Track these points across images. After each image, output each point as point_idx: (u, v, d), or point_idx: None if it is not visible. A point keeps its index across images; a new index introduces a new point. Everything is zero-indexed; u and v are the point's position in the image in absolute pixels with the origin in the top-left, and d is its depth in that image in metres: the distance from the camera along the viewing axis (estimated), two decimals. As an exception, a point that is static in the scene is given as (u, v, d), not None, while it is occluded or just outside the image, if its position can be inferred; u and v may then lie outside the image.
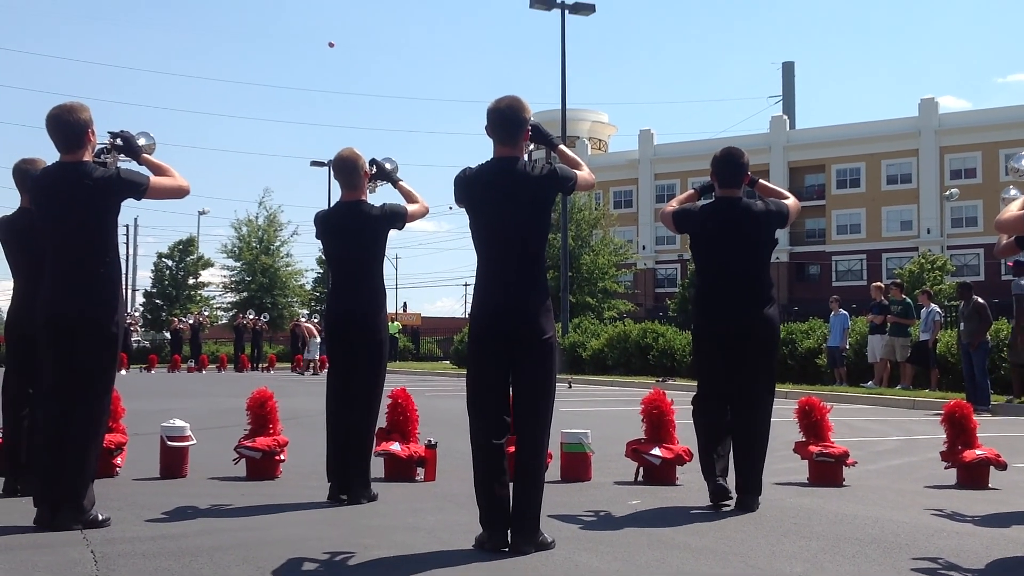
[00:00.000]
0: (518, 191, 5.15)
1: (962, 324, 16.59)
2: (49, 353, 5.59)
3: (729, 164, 6.65)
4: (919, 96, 75.42)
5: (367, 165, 6.83)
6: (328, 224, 6.80)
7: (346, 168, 6.71)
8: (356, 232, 6.67)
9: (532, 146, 5.63)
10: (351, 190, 6.72)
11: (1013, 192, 7.21)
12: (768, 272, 6.72)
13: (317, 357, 34.39)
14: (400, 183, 7.07)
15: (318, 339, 35.49)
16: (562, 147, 5.75)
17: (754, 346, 6.51)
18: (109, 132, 6.10)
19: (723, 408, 6.49)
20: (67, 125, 5.60)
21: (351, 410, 6.60)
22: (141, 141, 6.15)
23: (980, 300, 16.49)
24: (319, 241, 6.89)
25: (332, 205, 6.95)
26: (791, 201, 6.83)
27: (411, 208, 6.87)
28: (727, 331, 6.48)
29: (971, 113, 70.53)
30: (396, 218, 6.75)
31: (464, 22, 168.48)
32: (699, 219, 6.68)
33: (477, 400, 5.15)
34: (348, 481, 6.51)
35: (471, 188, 5.24)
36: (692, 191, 7.02)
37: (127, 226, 71.39)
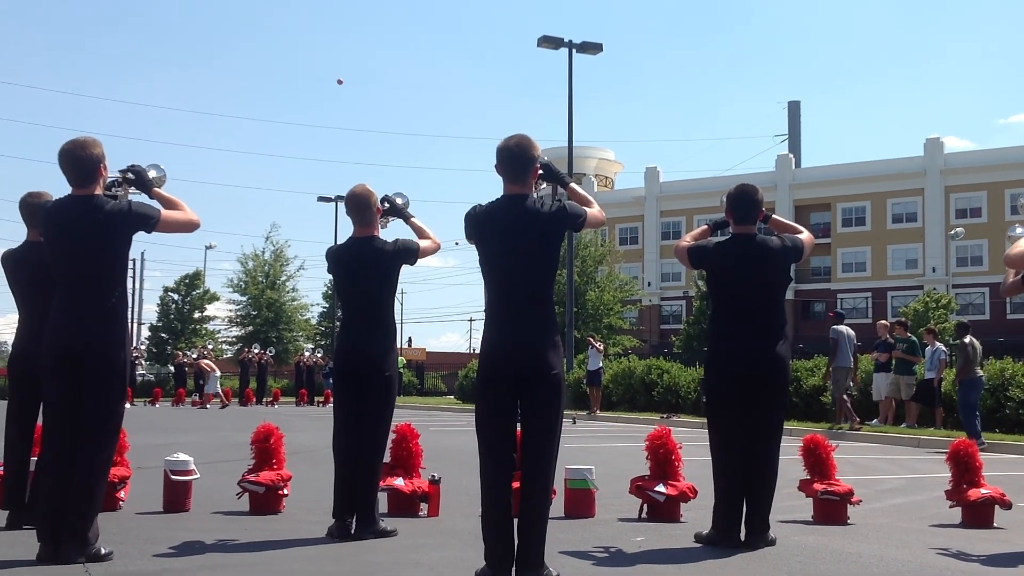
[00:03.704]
0: (527, 228, 5.17)
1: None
2: (55, 387, 5.59)
3: (744, 201, 6.68)
4: (924, 136, 75.75)
5: (379, 202, 6.87)
6: (340, 259, 6.80)
7: (359, 204, 6.73)
8: (368, 268, 6.68)
9: (545, 184, 5.68)
10: (363, 226, 6.75)
11: (1019, 230, 7.23)
12: (783, 309, 6.72)
13: (218, 390, 34.43)
14: (412, 219, 7.10)
15: (218, 373, 35.55)
16: (573, 185, 5.78)
17: (768, 384, 6.50)
18: (120, 170, 6.15)
19: (739, 449, 6.46)
20: (80, 160, 5.64)
21: (359, 447, 6.58)
22: (152, 173, 6.18)
23: (965, 340, 16.72)
24: (331, 276, 6.90)
25: (344, 240, 6.95)
26: (805, 236, 6.83)
27: (423, 244, 6.89)
28: (742, 368, 6.47)
29: (976, 153, 70.70)
30: (408, 254, 6.77)
31: (472, 60, 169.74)
32: (715, 255, 6.69)
33: (487, 437, 5.13)
34: (355, 517, 6.49)
35: (481, 225, 5.26)
36: (706, 227, 7.03)
37: (134, 260, 71.53)
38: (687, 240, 6.88)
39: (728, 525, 6.38)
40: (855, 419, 19.15)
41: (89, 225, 5.59)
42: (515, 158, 5.25)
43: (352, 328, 6.73)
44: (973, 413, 16.39)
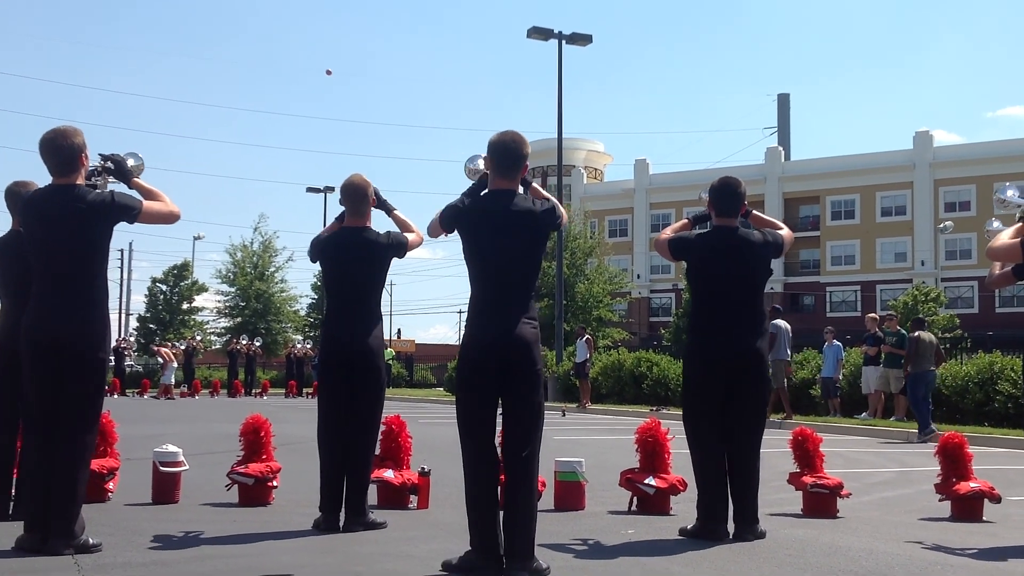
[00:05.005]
0: (520, 225, 5.20)
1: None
2: (35, 377, 5.55)
3: (727, 193, 6.67)
4: (913, 129, 75.93)
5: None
6: (330, 249, 6.74)
7: (357, 195, 6.68)
8: (361, 258, 6.64)
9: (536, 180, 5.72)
10: (358, 217, 6.70)
11: (996, 224, 7.26)
12: (763, 302, 6.74)
13: (172, 382, 34.27)
14: (395, 212, 7.06)
15: (175, 364, 35.42)
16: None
17: (749, 376, 6.51)
18: (100, 155, 6.11)
19: (719, 442, 6.46)
20: (61, 149, 5.60)
21: (351, 440, 6.52)
22: (130, 163, 6.12)
23: (914, 334, 17.40)
24: (318, 265, 6.85)
25: (344, 229, 6.81)
26: (785, 232, 6.85)
27: (410, 238, 6.87)
28: (723, 360, 6.47)
29: (965, 146, 70.85)
30: (400, 248, 6.75)
31: (461, 51, 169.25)
32: (697, 247, 6.69)
33: (469, 429, 5.14)
34: (344, 510, 6.47)
35: (468, 218, 5.27)
36: (685, 220, 7.04)
37: (121, 250, 71.40)
38: (667, 233, 6.87)
39: (715, 519, 6.37)
40: (789, 412, 20.26)
41: (71, 215, 5.55)
42: (511, 154, 5.27)
43: (341, 319, 6.65)
44: (924, 406, 16.85)
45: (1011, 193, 7.04)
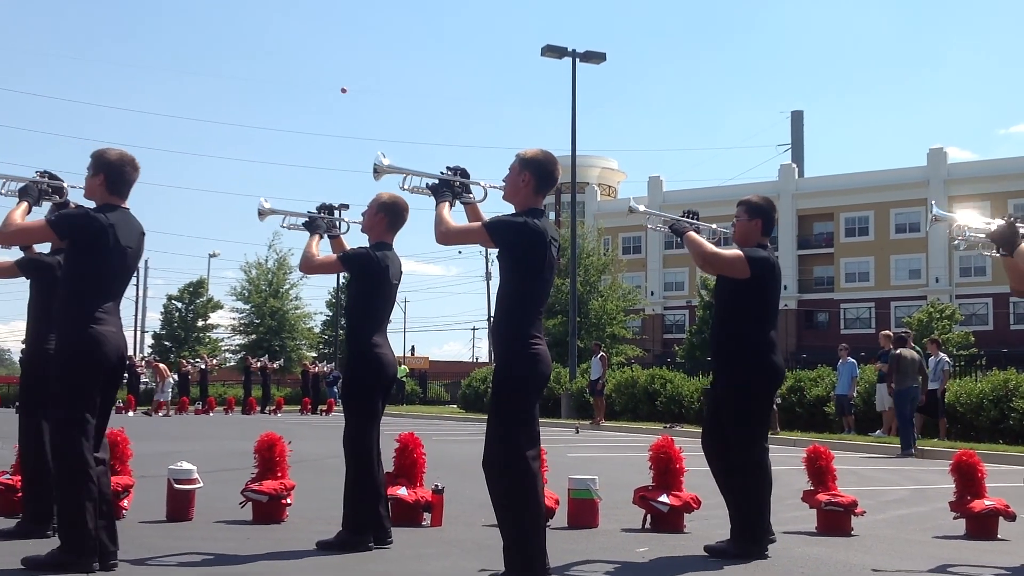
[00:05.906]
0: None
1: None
2: (98, 395, 5.44)
3: (772, 213, 6.77)
4: (927, 146, 75.71)
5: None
6: (389, 267, 6.60)
7: (405, 214, 6.74)
8: (399, 277, 6.74)
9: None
10: (393, 235, 6.75)
11: (963, 246, 7.29)
12: None
13: (168, 398, 34.29)
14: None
15: (171, 379, 35.41)
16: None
17: (775, 392, 6.72)
18: (46, 172, 6.23)
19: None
20: (136, 173, 5.67)
21: (378, 457, 6.56)
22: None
23: (897, 351, 17.43)
24: (372, 277, 6.57)
25: (382, 246, 6.66)
26: None
27: None
28: (779, 376, 6.57)
29: (980, 163, 70.61)
30: None
31: (475, 69, 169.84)
32: (771, 264, 6.54)
33: (534, 447, 5.15)
34: (382, 527, 6.47)
35: (545, 239, 5.21)
36: (692, 232, 6.89)
37: (137, 267, 71.59)
38: (709, 246, 6.61)
39: (766, 535, 6.37)
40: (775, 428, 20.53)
41: (140, 240, 5.70)
42: (557, 175, 5.34)
43: (386, 339, 6.67)
44: (908, 422, 17.01)
45: (943, 214, 7.22)
